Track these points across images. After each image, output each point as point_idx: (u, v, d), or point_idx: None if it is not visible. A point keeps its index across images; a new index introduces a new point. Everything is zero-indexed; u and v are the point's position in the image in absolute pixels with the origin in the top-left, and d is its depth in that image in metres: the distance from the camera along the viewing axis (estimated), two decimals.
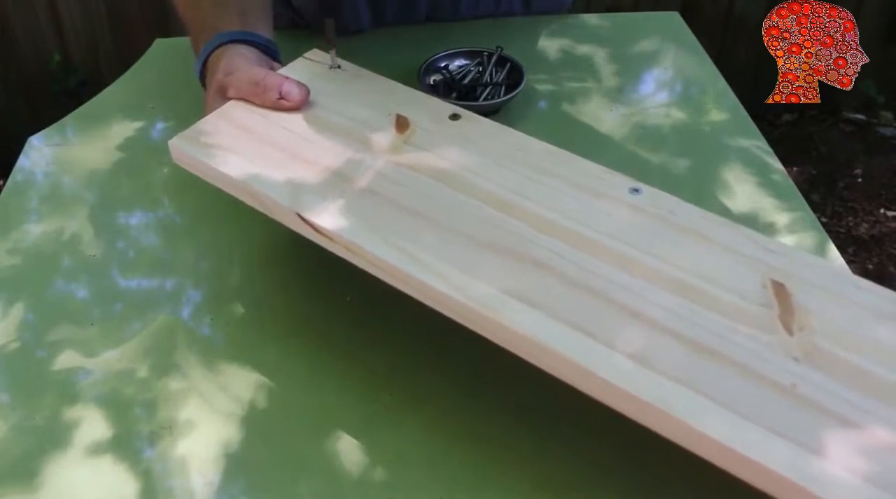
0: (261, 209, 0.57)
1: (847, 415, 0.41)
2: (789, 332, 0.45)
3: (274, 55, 0.71)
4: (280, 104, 0.63)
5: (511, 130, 0.61)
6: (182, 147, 0.60)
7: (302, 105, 0.63)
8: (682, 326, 0.46)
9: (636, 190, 0.55)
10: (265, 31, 0.73)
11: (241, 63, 0.66)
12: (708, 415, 0.41)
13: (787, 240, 0.70)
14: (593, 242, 0.51)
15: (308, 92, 0.63)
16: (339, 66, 0.68)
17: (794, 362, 0.44)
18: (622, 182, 0.56)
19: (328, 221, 0.53)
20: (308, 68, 0.67)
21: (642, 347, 0.45)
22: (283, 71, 0.67)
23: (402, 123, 0.61)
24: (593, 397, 0.44)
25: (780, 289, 0.48)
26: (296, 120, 0.62)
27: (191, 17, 0.75)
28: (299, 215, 0.53)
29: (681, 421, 0.41)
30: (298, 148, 0.59)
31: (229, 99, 0.65)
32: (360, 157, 0.58)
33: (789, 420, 0.41)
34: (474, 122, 0.62)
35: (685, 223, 0.52)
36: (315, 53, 0.69)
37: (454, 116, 0.62)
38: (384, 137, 0.60)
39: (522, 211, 0.54)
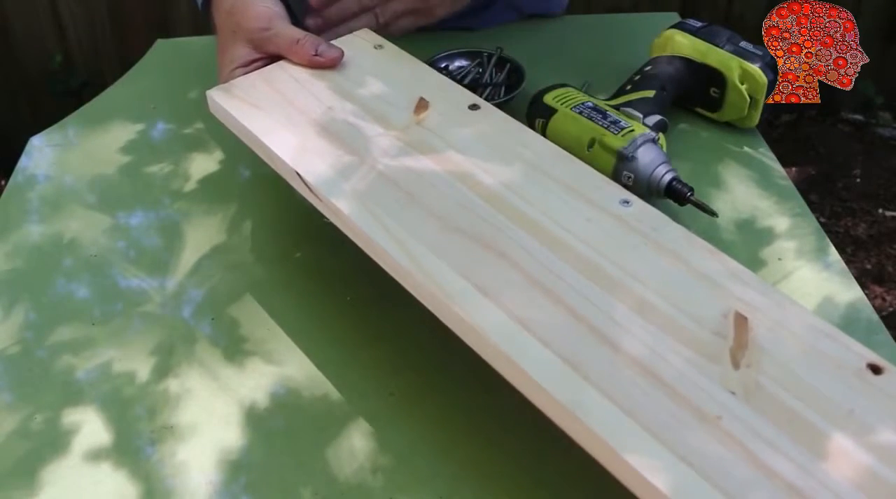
0: (270, 164, 0.61)
1: (766, 457, 0.40)
2: (735, 365, 0.44)
3: None
4: (315, 61, 0.67)
5: (525, 128, 0.62)
6: (217, 98, 0.65)
7: (336, 63, 0.67)
8: (620, 336, 0.45)
9: (626, 202, 0.55)
10: None
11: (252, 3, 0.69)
12: (619, 426, 0.41)
13: (787, 240, 0.70)
14: (562, 242, 0.51)
15: (342, 53, 0.68)
16: (380, 46, 0.71)
17: (729, 396, 0.42)
18: (616, 193, 0.55)
19: (320, 183, 0.56)
20: (353, 44, 0.71)
21: (575, 349, 0.45)
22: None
23: (421, 106, 0.63)
24: (519, 390, 0.45)
25: (741, 322, 0.46)
26: (325, 89, 0.66)
27: None
28: (297, 173, 0.57)
29: (590, 427, 0.41)
30: (318, 114, 0.63)
31: (266, 53, 0.69)
32: (372, 130, 0.61)
33: (700, 449, 0.40)
34: (491, 115, 0.63)
35: (664, 242, 0.52)
36: (365, 33, 0.73)
37: (473, 106, 0.63)
38: (400, 116, 0.63)
39: (502, 201, 0.55)
